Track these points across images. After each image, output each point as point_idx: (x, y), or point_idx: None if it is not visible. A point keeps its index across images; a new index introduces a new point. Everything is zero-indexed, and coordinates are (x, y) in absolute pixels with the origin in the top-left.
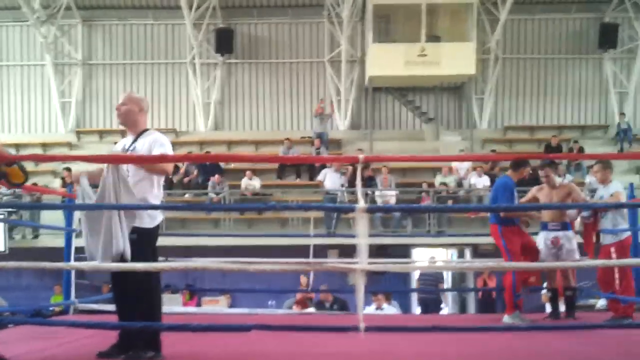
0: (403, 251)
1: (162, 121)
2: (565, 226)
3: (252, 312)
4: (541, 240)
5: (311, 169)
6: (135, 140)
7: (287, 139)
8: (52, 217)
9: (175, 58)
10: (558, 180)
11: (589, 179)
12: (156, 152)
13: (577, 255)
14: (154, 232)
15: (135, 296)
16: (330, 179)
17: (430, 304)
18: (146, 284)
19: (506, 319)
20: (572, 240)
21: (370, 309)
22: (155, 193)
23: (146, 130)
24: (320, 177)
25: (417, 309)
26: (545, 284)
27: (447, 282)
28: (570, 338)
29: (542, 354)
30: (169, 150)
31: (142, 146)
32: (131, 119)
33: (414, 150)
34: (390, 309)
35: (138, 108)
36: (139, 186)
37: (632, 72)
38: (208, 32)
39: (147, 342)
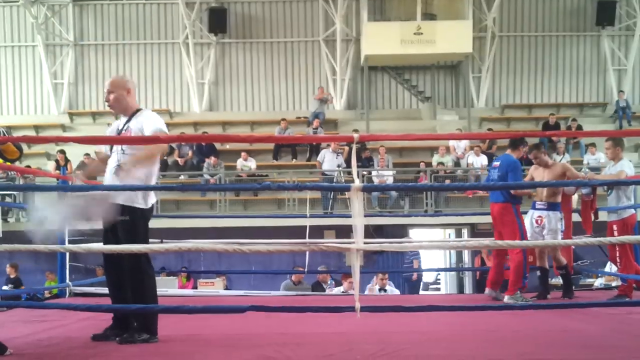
0: (400, 231)
1: (155, 102)
2: (553, 206)
3: (247, 294)
4: (528, 219)
5: (308, 149)
6: (128, 121)
7: (283, 119)
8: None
9: (168, 38)
10: (557, 157)
11: (587, 157)
12: (148, 132)
13: (558, 236)
14: (147, 213)
15: (128, 278)
16: (327, 159)
17: (408, 285)
18: (137, 265)
19: (507, 299)
20: (554, 220)
21: (373, 290)
22: (152, 172)
23: (139, 110)
24: (319, 159)
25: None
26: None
27: (445, 263)
28: (567, 316)
29: (540, 331)
30: (164, 130)
31: (136, 126)
32: (122, 105)
33: (411, 130)
34: (394, 290)
35: (125, 91)
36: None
37: (630, 49)
38: (201, 12)
39: (142, 324)
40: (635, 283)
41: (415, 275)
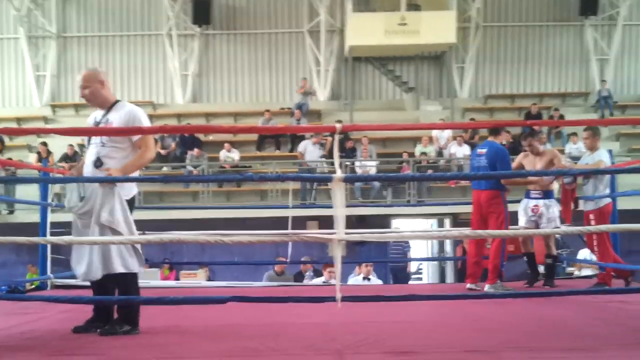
0: (383, 221)
1: (139, 94)
2: (548, 194)
3: (230, 285)
4: (522, 207)
5: (291, 140)
6: (107, 112)
7: (267, 110)
8: (28, 193)
9: (151, 30)
10: (542, 147)
11: (569, 147)
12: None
13: (557, 223)
14: (129, 205)
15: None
16: (309, 150)
17: (399, 275)
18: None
19: (487, 288)
20: (551, 208)
21: (357, 279)
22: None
23: (117, 102)
24: (300, 149)
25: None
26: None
27: (428, 252)
28: (548, 304)
29: (519, 319)
30: (147, 124)
31: (117, 119)
32: (98, 98)
33: (394, 120)
34: (377, 280)
35: (100, 84)
36: (116, 158)
37: (613, 39)
38: (185, 3)
39: (123, 316)
40: (614, 271)
41: (409, 266)
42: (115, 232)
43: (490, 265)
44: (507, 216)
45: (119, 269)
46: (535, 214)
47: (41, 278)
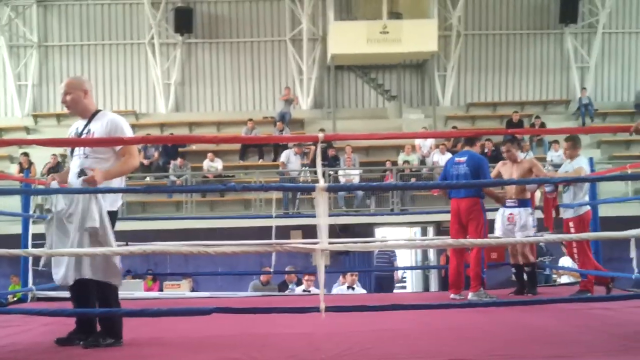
0: (366, 230)
1: (121, 103)
2: (523, 203)
3: (214, 296)
4: (499, 216)
5: (274, 149)
6: (88, 123)
7: (250, 119)
8: (9, 204)
9: (133, 38)
10: (521, 155)
11: (551, 154)
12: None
13: (530, 232)
14: (113, 216)
15: (94, 282)
16: (292, 160)
17: (385, 284)
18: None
19: (471, 296)
20: (525, 216)
21: (342, 289)
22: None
23: (98, 111)
24: (282, 159)
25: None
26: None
27: (411, 261)
28: (531, 312)
29: (502, 327)
30: (129, 135)
31: (99, 129)
32: (80, 106)
33: (377, 129)
34: (361, 289)
35: (83, 92)
36: (100, 169)
37: (593, 47)
38: (167, 12)
39: (107, 328)
40: (594, 278)
41: (396, 275)
42: (95, 239)
43: (471, 273)
44: (486, 224)
45: (89, 274)
46: (510, 223)
47: (23, 290)
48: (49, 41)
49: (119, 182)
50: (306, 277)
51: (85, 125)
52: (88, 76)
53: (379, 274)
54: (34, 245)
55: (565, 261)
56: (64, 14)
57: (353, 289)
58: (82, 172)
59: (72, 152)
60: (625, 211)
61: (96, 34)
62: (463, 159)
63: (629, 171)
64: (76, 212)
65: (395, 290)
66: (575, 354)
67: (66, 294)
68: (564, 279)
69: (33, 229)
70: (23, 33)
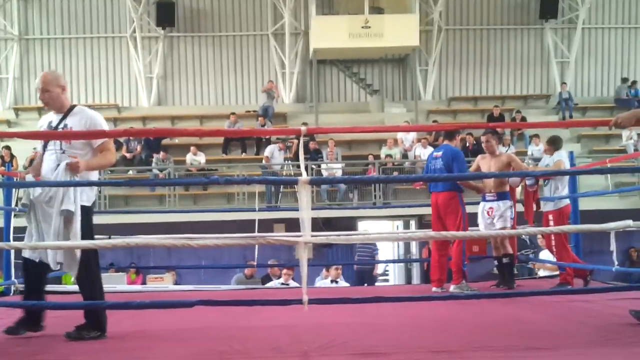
0: (349, 223)
1: (103, 97)
2: (502, 196)
3: (197, 289)
4: (480, 211)
5: (257, 143)
6: (64, 117)
7: (233, 113)
8: None
9: (115, 32)
10: (502, 149)
11: (531, 148)
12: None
13: (507, 224)
14: (90, 210)
15: (78, 277)
16: (275, 156)
17: (366, 277)
18: (86, 263)
19: (453, 288)
20: (503, 208)
21: (325, 282)
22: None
23: (74, 106)
24: (266, 153)
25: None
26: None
27: (394, 254)
28: (512, 304)
29: (484, 319)
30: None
31: (76, 125)
32: (57, 102)
33: (359, 123)
34: (344, 283)
35: (60, 88)
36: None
37: (573, 42)
38: (148, 5)
39: (91, 321)
40: (574, 271)
41: (376, 268)
42: (68, 224)
43: (453, 267)
44: (464, 216)
45: (45, 259)
46: (490, 217)
47: (5, 283)
48: (30, 34)
49: (95, 178)
50: (285, 271)
51: (61, 120)
52: (70, 69)
53: (361, 267)
54: (17, 239)
55: (545, 254)
56: (45, 7)
57: (337, 282)
58: (65, 167)
59: (44, 146)
60: (605, 204)
61: (77, 27)
62: (440, 153)
63: (609, 165)
64: (57, 196)
65: (377, 284)
66: (555, 345)
67: (49, 287)
68: (542, 272)
69: (15, 222)
70: (4, 26)
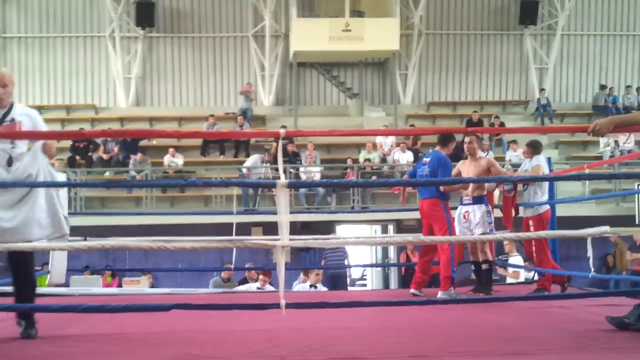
0: (327, 227)
1: (80, 97)
2: (479, 199)
3: (173, 292)
4: (456, 215)
5: (235, 146)
6: (8, 112)
7: (211, 115)
8: None
9: (94, 31)
10: (481, 154)
11: (510, 154)
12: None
13: (484, 228)
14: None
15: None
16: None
17: (339, 282)
18: (28, 263)
19: (441, 294)
20: (478, 213)
21: (304, 286)
22: (43, 168)
23: (12, 103)
24: (249, 164)
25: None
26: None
27: (372, 258)
28: (490, 310)
29: (462, 324)
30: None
31: (26, 120)
32: (6, 99)
33: (338, 126)
34: (323, 288)
35: (13, 85)
36: (25, 160)
37: (552, 48)
38: (128, 5)
39: (30, 318)
40: (552, 277)
41: (349, 272)
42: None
43: (442, 273)
44: (449, 223)
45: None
46: (466, 221)
47: None
48: (7, 32)
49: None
50: (261, 276)
51: (6, 114)
52: (47, 69)
53: (333, 271)
54: None
55: (515, 260)
56: (23, 5)
57: (316, 287)
58: (10, 160)
59: None
60: (581, 211)
61: (56, 26)
62: (428, 159)
63: (587, 171)
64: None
65: (353, 288)
66: (532, 351)
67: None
68: (510, 279)
69: None
70: None
